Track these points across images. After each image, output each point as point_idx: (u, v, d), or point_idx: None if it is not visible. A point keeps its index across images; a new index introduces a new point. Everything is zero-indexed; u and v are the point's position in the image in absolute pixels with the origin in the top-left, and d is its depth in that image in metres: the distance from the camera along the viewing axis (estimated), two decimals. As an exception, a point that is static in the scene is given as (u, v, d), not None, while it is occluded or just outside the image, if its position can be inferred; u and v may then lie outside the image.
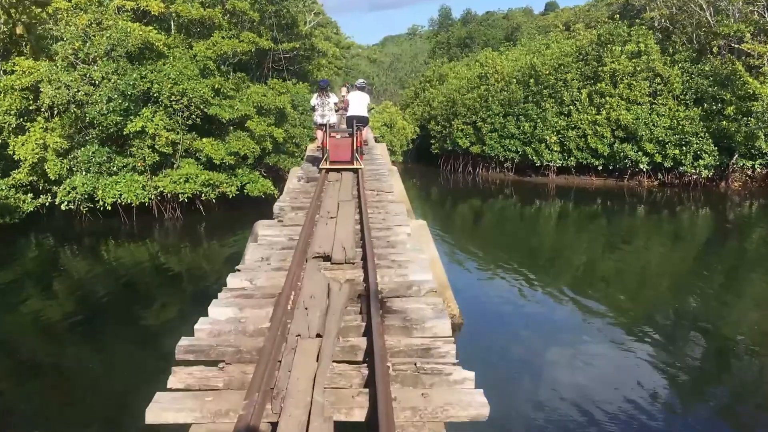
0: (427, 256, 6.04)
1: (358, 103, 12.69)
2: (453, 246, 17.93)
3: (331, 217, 7.35)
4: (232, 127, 19.89)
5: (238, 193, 19.27)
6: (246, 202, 20.22)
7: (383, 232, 6.83)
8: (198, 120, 18.69)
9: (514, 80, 27.91)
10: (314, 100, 13.08)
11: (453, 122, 29.59)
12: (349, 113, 12.74)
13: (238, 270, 5.44)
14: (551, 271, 14.80)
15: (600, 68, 25.73)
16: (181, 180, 18.26)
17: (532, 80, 27.32)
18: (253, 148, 19.66)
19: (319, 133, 13.08)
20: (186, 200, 18.52)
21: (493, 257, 16.38)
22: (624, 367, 8.91)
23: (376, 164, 13.40)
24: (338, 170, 12.05)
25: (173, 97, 18.16)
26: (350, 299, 4.63)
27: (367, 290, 4.70)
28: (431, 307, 4.46)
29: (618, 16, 27.21)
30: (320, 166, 12.28)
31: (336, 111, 13.82)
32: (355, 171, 11.91)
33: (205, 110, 18.75)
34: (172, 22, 21.46)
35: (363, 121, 12.68)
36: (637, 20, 28.71)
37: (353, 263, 5.61)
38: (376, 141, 24.27)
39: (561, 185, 27.04)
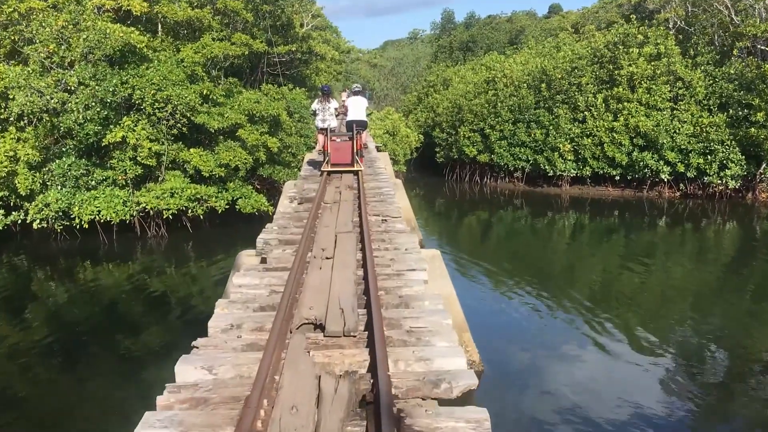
0: (452, 321, 4.54)
1: (357, 107, 13.18)
2: (462, 266, 16.48)
3: (327, 258, 5.86)
4: (222, 137, 18.43)
5: (228, 207, 17.79)
6: (238, 217, 18.77)
7: (393, 281, 5.34)
8: (184, 129, 17.24)
9: (524, 85, 26.46)
10: (316, 105, 13.51)
11: (459, 129, 28.14)
12: (349, 118, 13.21)
13: (195, 348, 3.95)
14: (568, 292, 13.52)
15: (616, 72, 24.29)
16: (166, 195, 16.80)
17: (543, 85, 25.87)
18: (245, 159, 18.19)
19: (321, 137, 13.47)
20: (171, 217, 17.04)
21: (506, 279, 14.98)
22: (653, 401, 8.14)
23: (380, 180, 11.93)
24: (339, 172, 12.58)
25: (157, 104, 16.72)
26: (350, 410, 3.12)
27: (376, 392, 3.21)
28: (473, 428, 2.96)
29: (633, 16, 25.73)
30: (322, 169, 12.79)
31: (336, 116, 14.28)
32: (356, 178, 11.28)
33: (192, 118, 17.31)
34: (159, 24, 20.03)
35: (362, 125, 13.17)
36: (650, 22, 27.30)
37: (354, 336, 4.11)
38: (378, 150, 22.86)
39: (575, 196, 25.57)
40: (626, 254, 17.58)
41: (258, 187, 20.78)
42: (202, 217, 17.27)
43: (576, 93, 25.06)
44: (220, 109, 18.11)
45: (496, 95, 27.19)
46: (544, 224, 22.74)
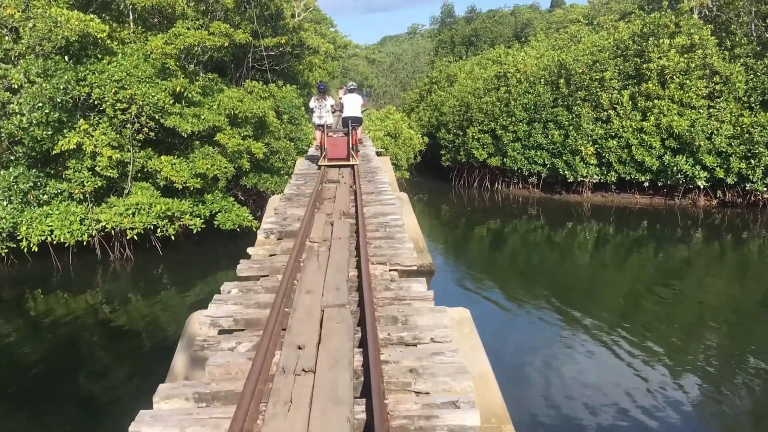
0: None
1: (352, 104, 13.91)
2: (471, 284, 14.81)
3: (305, 371, 3.49)
4: (198, 142, 16.05)
5: (206, 223, 15.42)
6: (217, 234, 16.41)
7: (421, 423, 2.98)
8: (152, 134, 14.87)
9: (541, 80, 24.09)
10: (313, 102, 13.98)
11: (467, 130, 25.76)
12: (345, 114, 13.92)
13: None
14: (592, 316, 12.01)
15: (644, 65, 21.93)
16: (130, 211, 14.42)
17: (561, 80, 23.51)
18: (225, 167, 15.82)
19: (318, 133, 14.06)
20: (136, 237, 14.67)
21: (520, 299, 13.47)
22: None
23: (383, 200, 9.59)
24: (336, 166, 13.10)
25: (119, 104, 14.36)
26: None
27: None
28: None
29: (665, 3, 23.32)
30: (319, 163, 13.46)
31: (333, 112, 14.70)
32: (353, 200, 9.75)
33: (162, 121, 14.95)
34: (129, 12, 17.62)
35: (357, 121, 13.94)
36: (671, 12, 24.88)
37: None
38: (378, 155, 20.51)
39: (597, 204, 23.24)
40: (657, 271, 15.73)
41: (242, 198, 18.42)
42: (172, 237, 14.88)
43: (598, 89, 22.70)
44: (195, 110, 15.74)
45: (508, 92, 24.82)
46: (563, 236, 20.53)
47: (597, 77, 22.84)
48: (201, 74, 18.52)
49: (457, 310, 6.18)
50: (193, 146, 16.05)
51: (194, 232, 15.02)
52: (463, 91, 27.22)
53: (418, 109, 35.68)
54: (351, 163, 13.21)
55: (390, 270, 5.97)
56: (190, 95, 15.58)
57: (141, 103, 14.37)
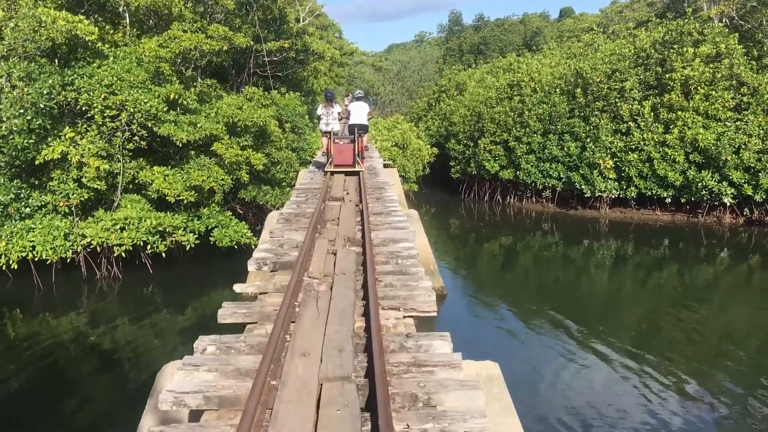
0: None
1: (359, 112, 14.14)
2: (482, 304, 13.87)
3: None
4: (193, 152, 15.09)
5: (199, 241, 14.42)
6: (213, 250, 15.39)
7: None
8: (143, 143, 13.90)
9: (556, 90, 23.08)
10: (320, 109, 14.40)
11: (479, 141, 24.74)
12: (351, 121, 14.19)
13: None
14: (610, 339, 11.26)
15: (667, 75, 20.89)
16: (118, 226, 13.43)
17: (578, 90, 22.49)
18: (222, 179, 14.84)
19: (325, 140, 14.46)
20: (124, 254, 13.68)
21: (534, 320, 12.56)
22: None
23: (393, 222, 8.57)
24: (342, 172, 13.50)
25: (108, 111, 13.42)
26: None
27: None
28: None
29: (690, 10, 22.30)
30: (325, 169, 13.77)
31: (339, 120, 15.02)
32: (359, 225, 8.92)
33: (155, 129, 14.00)
34: (126, 14, 16.74)
35: (363, 129, 14.20)
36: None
37: None
38: (386, 167, 19.56)
39: (615, 221, 22.15)
40: (679, 293, 14.78)
41: (241, 212, 17.43)
42: (164, 255, 13.88)
43: (617, 100, 21.67)
44: (191, 118, 14.78)
45: (522, 102, 23.82)
46: (579, 253, 19.49)
47: (616, 87, 21.82)
48: (199, 80, 17.61)
49: (485, 366, 5.17)
50: (189, 156, 15.08)
51: (187, 248, 14.01)
52: (474, 100, 26.23)
53: (426, 118, 34.73)
54: (357, 169, 13.63)
55: (404, 316, 4.93)
56: (185, 102, 14.63)
57: (132, 109, 13.42)
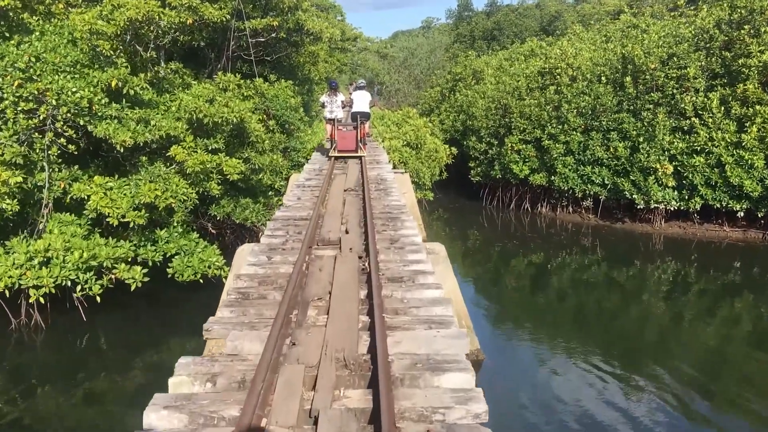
0: None
1: (361, 100, 15.13)
2: (513, 342, 11.81)
3: None
4: (145, 158, 11.64)
5: (148, 279, 10.95)
6: (176, 287, 11.93)
7: None
8: (72, 147, 10.47)
9: (601, 78, 19.49)
10: (324, 97, 15.47)
11: (505, 139, 21.20)
12: (354, 109, 15.26)
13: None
14: (670, 385, 9.44)
15: (739, 61, 17.31)
16: (36, 262, 10.01)
17: (627, 78, 18.92)
18: (185, 193, 11.36)
19: (329, 127, 15.58)
20: (42, 299, 10.24)
21: (576, 361, 10.44)
22: None
23: (418, 293, 5.11)
24: (345, 158, 14.55)
25: (23, 103, 9.97)
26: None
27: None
28: None
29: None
30: (329, 154, 14.91)
31: (343, 107, 15.76)
32: (364, 265, 6.48)
33: (90, 127, 10.56)
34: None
35: (365, 116, 15.27)
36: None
37: None
38: (395, 169, 16.16)
39: (673, 237, 18.71)
40: (754, 326, 12.52)
41: (213, 231, 14.00)
42: (98, 299, 10.40)
43: (676, 90, 18.11)
44: (142, 113, 11.32)
45: (558, 93, 20.25)
46: (628, 276, 16.33)
47: (674, 75, 18.24)
48: (162, 64, 14.13)
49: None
50: (140, 162, 11.62)
51: (132, 289, 10.54)
52: (499, 90, 22.64)
53: (438, 111, 31.20)
54: (359, 154, 14.55)
55: None
56: (133, 92, 11.15)
57: (55, 101, 9.97)
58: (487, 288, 15.83)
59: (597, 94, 19.32)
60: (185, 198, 11.41)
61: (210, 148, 12.13)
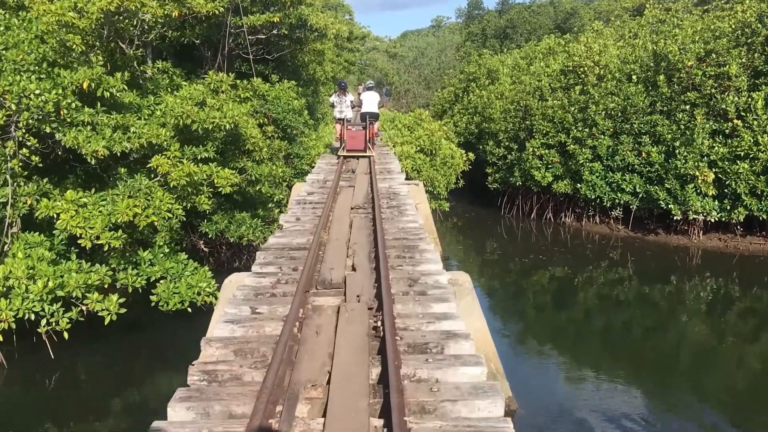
0: None
1: (370, 101, 15.42)
2: (537, 364, 10.93)
3: None
4: (124, 169, 10.29)
5: (125, 311, 9.57)
6: (162, 312, 10.53)
7: None
8: (35, 158, 9.14)
9: (633, 77, 17.98)
10: (334, 98, 15.71)
11: (527, 144, 19.71)
12: (363, 110, 15.53)
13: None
14: (711, 414, 8.59)
15: (787, 57, 15.79)
16: (-8, 292, 8.68)
17: (660, 77, 17.39)
18: (170, 209, 10.00)
19: (338, 127, 15.74)
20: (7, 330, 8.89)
21: (604, 384, 9.75)
22: None
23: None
24: (354, 157, 14.86)
25: (-21, 109, 8.66)
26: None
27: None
28: None
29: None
30: (339, 153, 15.15)
31: (352, 108, 16.00)
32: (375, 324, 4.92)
33: (59, 135, 9.23)
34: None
35: (374, 117, 15.50)
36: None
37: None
38: (408, 177, 14.80)
39: (712, 250, 17.18)
40: None
41: (205, 249, 12.64)
42: (66, 334, 9.02)
43: (715, 90, 16.59)
44: (120, 118, 9.98)
45: (584, 93, 18.75)
46: (663, 293, 14.92)
47: (712, 73, 16.72)
48: (148, 62, 12.80)
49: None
50: (118, 174, 10.28)
51: (106, 323, 9.16)
52: (519, 91, 21.16)
53: (451, 112, 29.77)
54: (367, 154, 14.80)
55: None
56: (108, 94, 9.80)
57: (15, 105, 8.64)
58: (509, 309, 14.41)
59: (627, 94, 17.81)
60: (170, 214, 10.05)
61: (199, 158, 10.76)
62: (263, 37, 17.11)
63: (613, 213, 18.48)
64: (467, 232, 21.44)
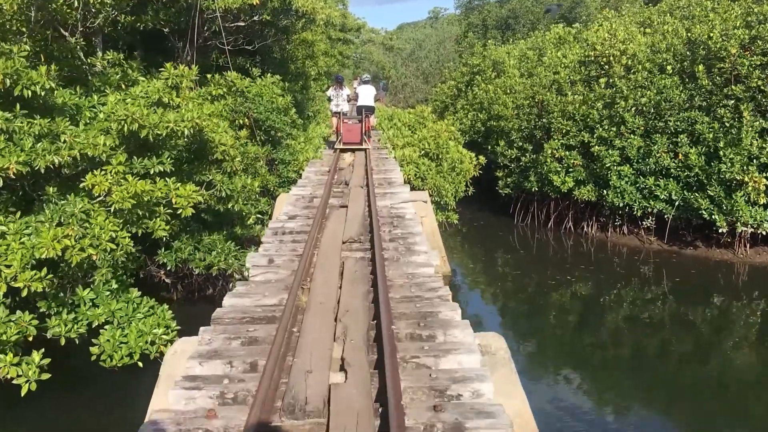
0: None
1: (366, 95, 15.80)
2: (554, 396, 9.45)
3: None
4: (52, 188, 8.17)
5: (49, 376, 7.44)
6: (104, 375, 8.40)
7: None
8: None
9: (669, 67, 15.87)
10: (331, 91, 15.97)
11: (544, 144, 17.59)
12: (359, 103, 15.85)
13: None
14: None
15: None
16: None
17: (699, 67, 15.29)
18: (114, 237, 7.91)
19: (334, 120, 16.01)
20: None
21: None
22: None
23: None
24: (351, 150, 15.21)
25: None
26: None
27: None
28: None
29: None
30: (335, 147, 15.58)
31: (348, 101, 16.44)
32: None
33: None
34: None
35: (370, 110, 15.83)
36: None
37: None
38: (412, 188, 12.75)
39: (761, 267, 15.18)
40: None
41: (166, 281, 10.52)
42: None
43: (761, 82, 14.50)
44: (47, 124, 7.86)
45: (610, 86, 16.65)
46: (704, 317, 13.18)
47: (757, 63, 14.63)
48: (99, 53, 10.66)
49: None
50: (46, 197, 8.15)
51: (23, 394, 7.04)
52: (533, 84, 19.01)
53: (454, 108, 27.62)
54: (363, 147, 15.20)
55: None
56: (31, 93, 7.66)
57: None
58: (528, 335, 12.48)
59: (660, 87, 15.70)
60: (114, 246, 7.93)
61: (153, 172, 8.61)
62: (243, 24, 14.95)
63: (644, 223, 16.38)
64: (476, 243, 19.35)
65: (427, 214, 11.91)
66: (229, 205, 9.96)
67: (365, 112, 15.47)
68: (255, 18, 14.75)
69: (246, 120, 13.49)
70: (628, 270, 15.87)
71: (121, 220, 8.31)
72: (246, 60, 16.37)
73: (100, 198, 8.14)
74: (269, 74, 15.14)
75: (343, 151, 15.09)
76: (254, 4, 13.59)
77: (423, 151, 14.69)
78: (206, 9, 13.30)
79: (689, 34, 16.25)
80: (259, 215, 12.43)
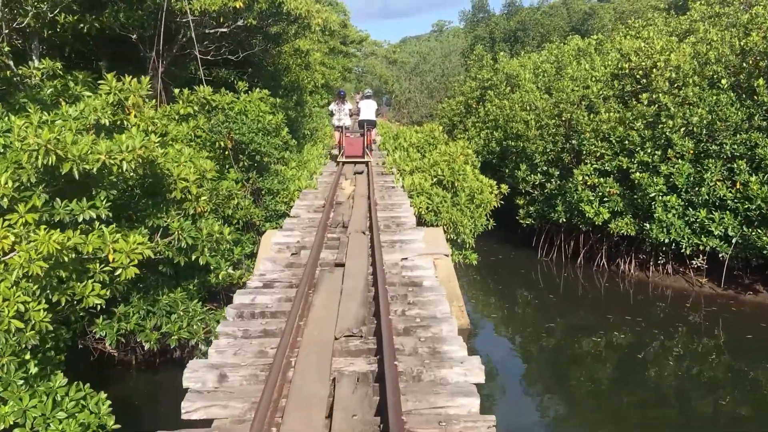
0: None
1: (368, 109, 16.30)
2: None
3: None
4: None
5: None
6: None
7: None
8: None
9: (724, 81, 13.69)
10: (333, 106, 16.48)
11: (575, 170, 15.36)
12: (361, 118, 16.34)
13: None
14: None
15: None
16: None
17: (760, 81, 13.11)
18: (26, 309, 5.70)
19: (337, 134, 16.63)
20: None
21: None
22: None
23: None
24: (352, 162, 15.37)
25: None
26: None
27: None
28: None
29: None
30: (337, 160, 15.79)
31: (350, 116, 16.91)
32: None
33: None
34: None
35: (372, 124, 16.32)
36: None
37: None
38: (424, 222, 10.59)
39: (837, 316, 12.89)
40: None
41: (114, 353, 8.26)
42: None
43: (835, 98, 12.32)
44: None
45: (653, 103, 14.45)
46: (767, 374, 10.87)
47: (827, 75, 12.46)
48: (34, 61, 8.52)
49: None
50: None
51: None
52: (559, 100, 16.81)
53: (464, 126, 25.47)
54: (365, 159, 15.49)
55: None
56: None
57: None
58: (559, 391, 10.35)
59: (712, 104, 13.51)
60: (20, 325, 5.74)
61: (81, 220, 6.41)
62: (226, 30, 12.84)
63: (693, 262, 14.11)
64: (495, 282, 17.06)
65: (440, 257, 9.73)
66: (193, 258, 7.73)
67: (367, 126, 16.01)
68: (240, 23, 12.63)
69: (228, 143, 11.35)
70: (674, 316, 13.62)
71: (36, 287, 6.12)
72: (231, 72, 14.25)
73: (2, 260, 5.95)
74: (257, 88, 13.01)
75: (345, 164, 15.48)
76: (237, 6, 11.47)
77: (435, 179, 12.48)
78: (179, 12, 11.18)
79: (742, 44, 14.09)
80: (240, 258, 10.26)
